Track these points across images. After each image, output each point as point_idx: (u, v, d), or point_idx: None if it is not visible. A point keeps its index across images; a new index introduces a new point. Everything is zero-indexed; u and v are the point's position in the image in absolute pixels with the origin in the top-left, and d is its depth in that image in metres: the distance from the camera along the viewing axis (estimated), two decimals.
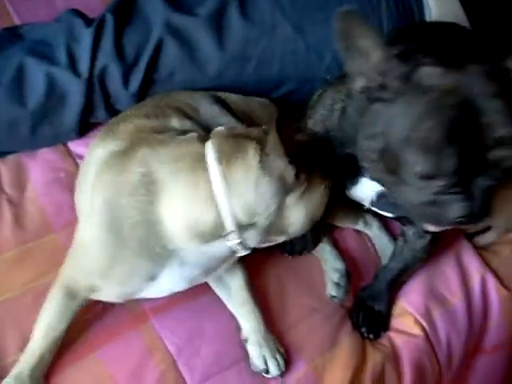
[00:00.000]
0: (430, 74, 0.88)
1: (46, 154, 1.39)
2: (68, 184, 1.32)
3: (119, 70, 1.33)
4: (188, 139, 1.05)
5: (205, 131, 1.12)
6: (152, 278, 1.05)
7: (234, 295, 1.21)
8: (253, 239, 1.02)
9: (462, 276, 1.36)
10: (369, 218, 1.38)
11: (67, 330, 1.11)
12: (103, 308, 1.18)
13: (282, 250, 1.30)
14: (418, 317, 1.30)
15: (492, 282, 1.36)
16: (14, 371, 1.06)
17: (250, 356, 1.17)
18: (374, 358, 1.24)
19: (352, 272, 1.33)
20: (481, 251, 1.41)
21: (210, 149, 0.99)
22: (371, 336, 1.27)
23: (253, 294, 1.21)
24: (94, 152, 1.14)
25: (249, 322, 1.19)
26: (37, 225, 1.29)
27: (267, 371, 1.16)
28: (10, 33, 1.39)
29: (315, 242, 1.30)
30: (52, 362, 1.10)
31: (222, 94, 1.35)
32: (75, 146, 1.40)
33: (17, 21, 1.55)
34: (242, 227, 0.99)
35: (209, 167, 0.98)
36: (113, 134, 1.14)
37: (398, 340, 1.28)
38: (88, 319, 1.17)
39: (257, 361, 1.16)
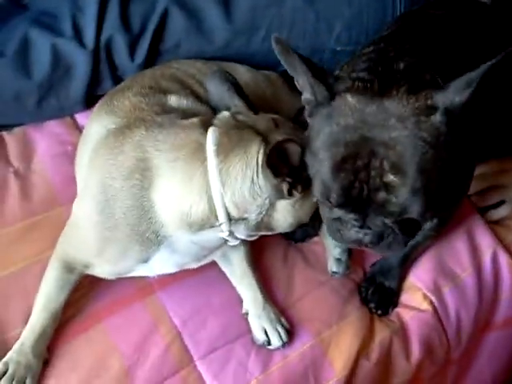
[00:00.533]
0: (345, 102, 0.89)
1: (53, 127, 1.38)
2: (75, 157, 1.31)
3: (125, 40, 1.32)
4: (189, 126, 1.02)
5: (208, 108, 1.12)
6: (143, 260, 1.06)
7: (235, 268, 1.20)
8: (242, 232, 1.02)
9: (473, 251, 1.33)
10: None
11: (73, 302, 1.13)
12: (109, 280, 1.18)
13: (285, 237, 1.30)
14: (427, 292, 1.28)
15: (504, 258, 1.33)
16: (16, 345, 1.07)
17: (251, 328, 1.17)
18: (381, 333, 1.22)
19: (358, 250, 1.28)
20: (493, 226, 1.38)
21: (210, 140, 0.98)
22: (379, 312, 1.26)
23: (254, 267, 1.21)
24: (91, 127, 1.13)
25: (248, 295, 1.19)
26: (43, 197, 1.29)
27: (269, 343, 1.15)
28: (14, 3, 1.38)
29: (316, 228, 1.29)
30: (56, 333, 1.11)
31: (230, 65, 1.33)
32: (82, 119, 1.40)
33: None
34: (232, 221, 0.99)
35: (207, 159, 0.97)
36: (109, 110, 1.13)
37: (407, 315, 1.26)
38: (94, 291, 1.17)
39: (257, 333, 1.16)
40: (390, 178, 0.84)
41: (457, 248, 1.33)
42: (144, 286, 1.19)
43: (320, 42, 1.38)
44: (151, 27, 1.32)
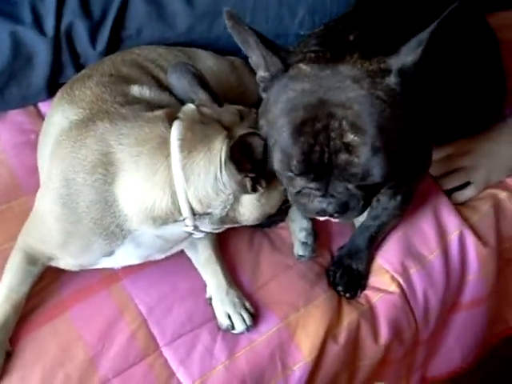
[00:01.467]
0: (299, 71, 0.90)
1: (16, 116, 1.37)
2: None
3: (85, 27, 1.30)
4: (153, 119, 1.01)
5: (170, 95, 1.12)
6: (107, 254, 1.06)
7: (200, 254, 1.20)
8: (207, 226, 1.02)
9: (439, 232, 1.33)
10: None
11: (37, 291, 1.13)
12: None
13: None
14: (395, 274, 1.28)
15: (470, 238, 1.33)
16: None
17: (216, 313, 1.17)
18: (349, 316, 1.22)
19: (325, 234, 1.32)
20: (459, 207, 1.39)
21: (174, 135, 0.97)
22: (348, 295, 1.26)
23: (218, 253, 1.21)
24: (53, 117, 1.12)
25: (212, 280, 1.18)
26: (7, 187, 1.28)
27: (233, 327, 1.15)
28: None
29: (283, 215, 1.29)
30: (20, 323, 1.10)
31: (193, 51, 1.32)
32: (46, 107, 1.38)
33: None
34: (196, 215, 0.99)
35: (171, 154, 0.96)
36: (70, 100, 1.11)
37: (375, 298, 1.26)
38: (58, 280, 1.16)
39: (221, 317, 1.16)
40: (350, 137, 0.84)
41: (423, 230, 1.33)
42: (109, 275, 1.18)
43: (283, 27, 1.37)
44: (112, 13, 1.31)
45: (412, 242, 1.32)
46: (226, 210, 0.98)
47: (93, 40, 1.32)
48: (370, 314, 1.25)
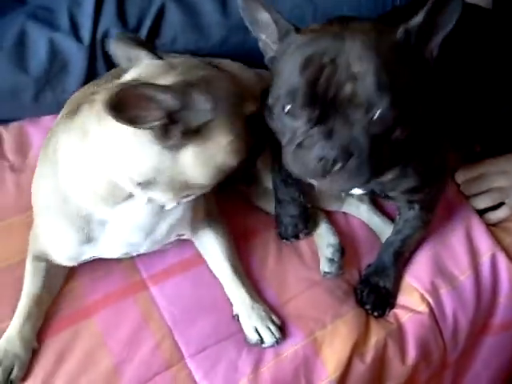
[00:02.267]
0: (312, 30, 0.94)
1: (49, 122, 1.37)
2: None
3: None
4: (87, 105, 1.01)
5: None
6: (85, 241, 1.07)
7: (218, 270, 1.20)
8: (161, 196, 0.99)
9: (471, 253, 1.31)
10: (353, 201, 1.35)
11: (63, 294, 1.15)
12: (102, 275, 1.18)
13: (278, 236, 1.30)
14: (425, 293, 1.25)
15: (503, 261, 1.30)
16: (5, 334, 1.07)
17: (244, 329, 1.15)
18: (377, 334, 1.20)
19: (353, 251, 1.30)
20: (492, 228, 1.36)
21: (80, 116, 1.00)
22: (376, 313, 1.24)
23: (239, 268, 1.21)
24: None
25: (236, 297, 1.17)
26: None
27: (262, 341, 1.14)
28: None
29: (311, 226, 1.29)
30: (45, 324, 1.11)
31: (221, 61, 1.33)
32: None
33: None
34: (141, 186, 0.96)
35: (89, 134, 0.97)
36: (68, 101, 1.20)
37: (404, 316, 1.24)
38: (85, 284, 1.17)
39: (249, 333, 1.14)
40: (357, 67, 0.85)
41: (455, 249, 1.31)
42: (136, 282, 1.19)
43: None
44: (147, 22, 1.32)
45: (442, 261, 1.30)
46: (166, 174, 0.94)
47: None
48: (398, 333, 1.22)
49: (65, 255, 1.12)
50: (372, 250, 1.31)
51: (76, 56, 1.31)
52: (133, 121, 0.84)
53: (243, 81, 1.11)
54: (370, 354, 1.18)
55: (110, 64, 1.34)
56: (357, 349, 1.17)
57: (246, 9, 0.97)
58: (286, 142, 0.95)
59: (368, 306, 1.24)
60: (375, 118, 0.86)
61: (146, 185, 0.96)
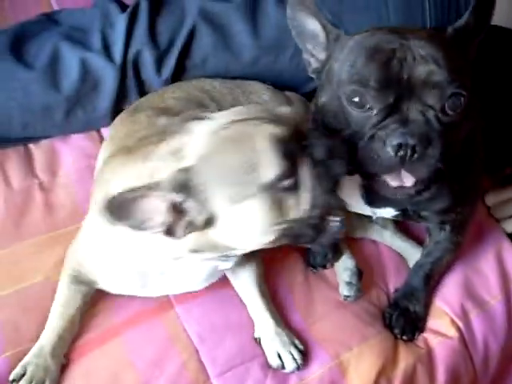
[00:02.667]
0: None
1: (79, 140, 1.39)
2: None
3: (152, 55, 1.33)
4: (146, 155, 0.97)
5: None
6: (143, 287, 1.08)
7: (245, 292, 1.19)
8: (212, 255, 0.96)
9: (502, 277, 1.29)
10: (377, 227, 1.34)
11: (92, 314, 1.15)
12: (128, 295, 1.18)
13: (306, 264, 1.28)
14: (455, 317, 1.24)
15: None
16: (34, 348, 1.07)
17: (265, 352, 1.14)
18: (406, 359, 1.18)
19: (380, 275, 1.29)
20: None
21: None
22: (405, 337, 1.22)
23: (264, 290, 1.19)
24: (100, 153, 1.20)
25: (259, 319, 1.16)
26: (67, 211, 1.30)
27: (283, 366, 1.12)
28: (47, 18, 1.41)
29: (337, 255, 1.27)
30: (74, 343, 1.11)
31: (250, 83, 1.35)
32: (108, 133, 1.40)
33: (55, 7, 1.57)
34: (190, 252, 0.94)
35: None
36: (111, 134, 1.19)
37: (433, 341, 1.22)
38: (113, 304, 1.16)
39: (271, 357, 1.13)
40: (429, 50, 0.87)
41: (485, 273, 1.30)
42: (163, 302, 1.18)
43: None
44: (179, 43, 1.33)
45: (473, 285, 1.28)
46: (205, 246, 0.91)
47: (159, 68, 1.34)
48: (428, 358, 1.20)
49: (118, 291, 1.13)
50: (399, 273, 1.30)
51: (107, 76, 1.33)
52: (136, 226, 0.83)
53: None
54: (398, 379, 1.16)
55: (141, 83, 1.36)
56: (384, 373, 1.15)
57: (294, 18, 0.98)
58: (351, 138, 0.92)
59: (397, 330, 1.22)
60: (448, 102, 0.87)
61: (193, 252, 0.94)
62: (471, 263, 1.30)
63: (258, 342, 1.16)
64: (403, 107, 0.88)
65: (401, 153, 0.87)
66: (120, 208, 0.80)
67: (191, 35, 1.33)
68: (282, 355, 1.13)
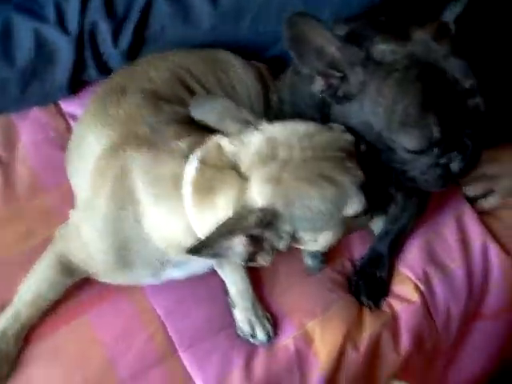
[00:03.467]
0: (384, 52, 0.95)
1: (37, 113, 1.36)
2: (59, 143, 1.30)
3: (109, 26, 1.29)
4: (175, 153, 0.98)
5: None
6: (152, 277, 1.07)
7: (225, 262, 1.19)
8: None
9: (462, 241, 1.31)
10: None
11: None
12: None
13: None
14: (418, 282, 1.26)
15: (493, 248, 1.31)
16: None
17: (237, 321, 1.16)
18: (371, 324, 1.21)
19: (344, 244, 1.29)
20: (482, 216, 1.36)
21: (187, 177, 0.93)
22: (371, 303, 1.24)
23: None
24: (87, 137, 1.10)
25: (237, 288, 1.17)
26: (27, 185, 1.27)
27: (253, 336, 1.14)
28: None
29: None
30: (41, 322, 1.10)
31: (225, 57, 1.31)
32: (67, 105, 1.37)
33: None
34: None
35: (183, 198, 0.93)
36: (104, 121, 1.09)
37: (397, 306, 1.24)
38: (78, 283, 1.14)
39: (243, 326, 1.15)
40: (468, 83, 0.93)
41: (446, 238, 1.32)
42: None
43: None
44: (135, 13, 1.29)
45: (434, 250, 1.30)
46: None
47: (116, 39, 1.30)
48: (393, 323, 1.23)
49: (122, 283, 1.11)
50: (363, 240, 1.31)
51: (63, 47, 1.29)
52: (218, 256, 0.86)
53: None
54: (363, 344, 1.19)
55: (98, 55, 1.33)
56: (350, 339, 1.18)
57: (297, 38, 0.92)
58: (406, 172, 1.00)
59: (363, 297, 1.24)
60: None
61: None
62: (433, 228, 1.32)
63: (231, 308, 1.17)
64: (458, 135, 0.95)
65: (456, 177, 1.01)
66: (206, 247, 0.83)
67: (148, 4, 1.30)
68: (254, 325, 1.15)
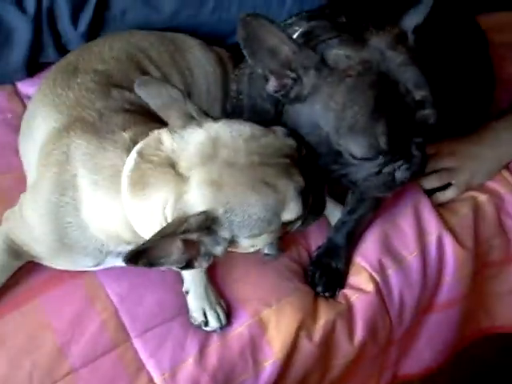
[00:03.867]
0: (338, 57, 0.94)
1: None
2: (14, 125, 1.27)
3: (67, 7, 1.27)
4: (117, 144, 0.95)
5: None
6: (92, 266, 1.06)
7: None
8: None
9: (419, 233, 1.32)
10: None
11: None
12: None
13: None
14: (373, 272, 1.27)
15: (449, 240, 1.32)
16: None
17: (190, 308, 1.15)
18: (326, 314, 1.21)
19: (303, 233, 1.29)
20: (439, 208, 1.37)
21: (125, 170, 0.90)
22: (327, 294, 1.24)
23: None
24: (35, 118, 1.09)
25: (191, 274, 1.16)
26: None
27: (206, 324, 1.14)
28: None
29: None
30: None
31: (184, 40, 1.30)
32: (24, 87, 1.36)
33: None
34: None
35: (121, 190, 0.90)
36: (53, 102, 1.07)
37: (353, 297, 1.25)
38: (29, 266, 1.13)
39: (196, 313, 1.14)
40: (420, 94, 0.92)
41: (403, 229, 1.32)
42: None
43: (271, 15, 1.33)
44: None
45: (391, 241, 1.31)
46: None
47: (75, 20, 1.28)
48: (347, 313, 1.23)
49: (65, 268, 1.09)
50: (320, 230, 1.31)
51: (20, 26, 1.27)
52: (152, 265, 0.82)
53: None
54: (318, 334, 1.19)
55: (57, 36, 1.30)
56: (304, 328, 1.18)
57: (250, 38, 0.90)
58: (348, 176, 1.01)
59: (319, 288, 1.24)
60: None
61: None
62: (389, 219, 1.33)
63: (185, 295, 1.16)
64: (406, 145, 0.95)
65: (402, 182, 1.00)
66: (143, 256, 0.79)
67: None
68: (207, 313, 1.14)
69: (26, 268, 1.13)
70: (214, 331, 1.14)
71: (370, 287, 1.25)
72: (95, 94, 1.07)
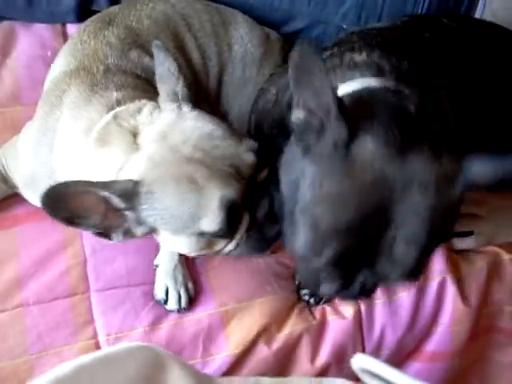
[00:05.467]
0: (365, 149, 0.76)
1: (41, 29, 1.38)
2: (50, 63, 1.29)
3: None
4: (101, 98, 0.96)
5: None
6: None
7: None
8: None
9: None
10: None
11: None
12: None
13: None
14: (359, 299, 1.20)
15: (452, 289, 1.23)
16: None
17: (155, 282, 1.13)
18: (294, 325, 1.16)
19: None
20: (454, 254, 1.28)
21: (96, 127, 0.91)
22: (311, 301, 1.19)
23: None
24: (57, 59, 1.12)
25: (166, 249, 1.13)
26: (7, 92, 1.29)
27: (166, 302, 1.11)
28: None
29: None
30: None
31: (231, 13, 1.29)
32: (72, 29, 1.38)
33: None
34: None
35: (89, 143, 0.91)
36: (73, 46, 1.10)
37: (331, 316, 1.19)
38: (20, 196, 1.15)
39: (158, 289, 1.12)
40: (400, 250, 0.76)
41: None
42: None
43: (325, 13, 1.30)
44: None
45: None
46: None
47: None
48: (317, 330, 1.17)
49: (30, 200, 1.11)
50: None
51: None
52: (69, 221, 0.81)
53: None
54: (278, 342, 1.14)
55: None
56: (265, 334, 1.13)
57: (300, 66, 0.75)
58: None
59: (305, 291, 1.19)
60: None
61: None
62: None
63: (154, 268, 1.14)
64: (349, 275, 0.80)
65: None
66: (58, 201, 0.80)
67: None
68: (169, 292, 1.12)
69: (17, 196, 1.15)
70: (171, 311, 1.12)
71: (349, 313, 1.19)
72: (112, 50, 1.07)
